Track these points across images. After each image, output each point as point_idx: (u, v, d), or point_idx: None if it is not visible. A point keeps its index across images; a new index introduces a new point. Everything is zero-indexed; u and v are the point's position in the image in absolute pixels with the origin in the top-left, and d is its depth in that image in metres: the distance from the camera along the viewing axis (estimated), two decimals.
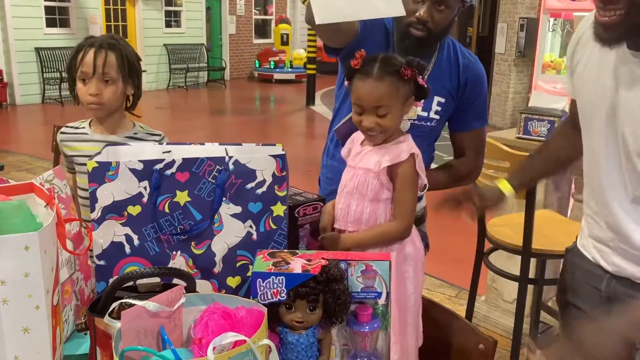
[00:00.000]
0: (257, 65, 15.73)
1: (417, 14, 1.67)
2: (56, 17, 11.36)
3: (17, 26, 10.54)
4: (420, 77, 1.36)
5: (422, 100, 1.50)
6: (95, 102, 1.74)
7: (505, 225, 2.71)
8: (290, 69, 15.07)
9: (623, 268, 1.32)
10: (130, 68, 1.78)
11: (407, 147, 1.36)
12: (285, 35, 15.54)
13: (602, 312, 1.37)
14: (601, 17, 1.13)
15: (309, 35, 11.17)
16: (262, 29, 16.97)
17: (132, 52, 1.81)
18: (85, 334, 1.16)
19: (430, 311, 1.55)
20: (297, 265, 1.07)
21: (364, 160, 1.40)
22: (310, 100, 11.46)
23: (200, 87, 14.41)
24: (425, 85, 1.38)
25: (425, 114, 1.79)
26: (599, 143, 1.30)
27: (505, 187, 1.59)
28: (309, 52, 11.53)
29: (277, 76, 14.96)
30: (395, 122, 1.37)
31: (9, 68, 10.58)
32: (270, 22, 16.97)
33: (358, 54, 1.38)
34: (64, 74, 10.91)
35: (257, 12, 16.68)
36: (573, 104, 1.47)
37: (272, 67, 15.35)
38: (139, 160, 1.21)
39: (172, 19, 13.95)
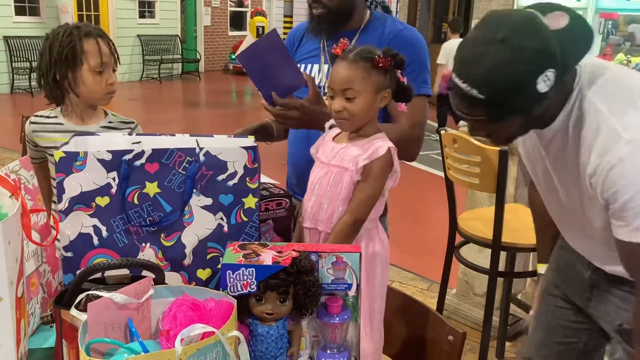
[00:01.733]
0: (232, 58, 15.60)
1: None
2: (26, 5, 11.10)
3: None
4: (400, 73, 1.35)
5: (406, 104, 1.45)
6: (114, 91, 1.76)
7: (476, 218, 2.74)
8: None
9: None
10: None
11: (383, 142, 1.35)
12: (261, 28, 15.41)
13: (585, 299, 1.45)
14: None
15: (284, 28, 11.12)
16: (237, 21, 16.83)
17: None
18: (52, 327, 1.15)
19: (402, 303, 1.57)
20: (267, 257, 1.07)
21: (338, 157, 1.38)
22: None
23: (174, 79, 14.24)
24: (406, 83, 1.37)
25: None
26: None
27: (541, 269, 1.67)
28: None
29: None
30: (364, 109, 1.35)
31: None
32: (245, 14, 16.84)
33: (340, 42, 1.39)
34: (34, 64, 10.71)
35: (233, 4, 16.53)
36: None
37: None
38: (108, 151, 1.20)
39: (145, 9, 13.75)
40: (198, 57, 15.08)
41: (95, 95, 1.74)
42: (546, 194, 1.45)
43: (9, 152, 6.34)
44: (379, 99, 1.36)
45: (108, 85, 1.73)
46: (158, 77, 13.69)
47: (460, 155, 2.40)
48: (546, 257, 1.66)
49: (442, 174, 2.76)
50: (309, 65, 1.80)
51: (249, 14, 16.57)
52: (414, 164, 7.66)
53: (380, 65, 1.32)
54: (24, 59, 10.78)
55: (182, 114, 10.12)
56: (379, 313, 1.39)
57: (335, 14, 1.72)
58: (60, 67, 1.70)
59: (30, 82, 10.71)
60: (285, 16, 10.79)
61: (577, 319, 1.54)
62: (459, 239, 2.77)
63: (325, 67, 1.77)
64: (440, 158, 2.71)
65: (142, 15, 13.65)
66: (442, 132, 2.35)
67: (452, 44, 7.37)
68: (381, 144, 1.35)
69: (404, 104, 1.42)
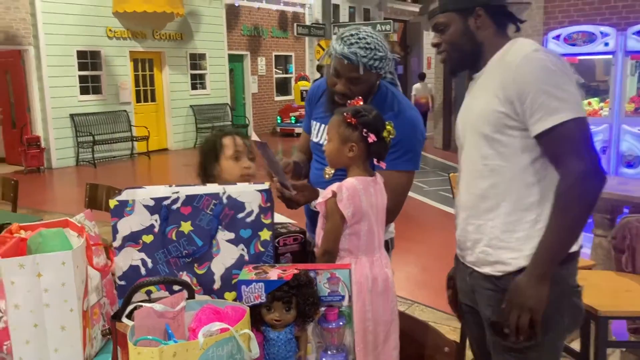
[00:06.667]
0: (279, 121, 16.29)
1: (335, 87, 1.93)
2: (89, 85, 12.08)
3: (53, 95, 11.27)
4: (371, 134, 1.64)
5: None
6: (249, 174, 2.17)
7: None
8: None
9: (466, 259, 1.70)
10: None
11: (335, 185, 1.65)
12: (304, 92, 16.13)
13: (475, 302, 1.72)
14: (441, 59, 1.69)
15: None
16: (283, 86, 17.65)
17: None
18: (109, 339, 1.43)
19: (406, 323, 1.79)
20: (274, 274, 1.34)
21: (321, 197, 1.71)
22: None
23: None
24: (372, 141, 1.64)
25: None
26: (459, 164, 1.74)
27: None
28: None
29: (298, 130, 15.46)
30: (332, 153, 1.70)
31: (47, 134, 11.24)
32: (290, 80, 17.65)
33: (355, 99, 1.75)
34: (97, 138, 11.57)
35: (278, 71, 17.39)
36: None
37: (293, 121, 15.88)
38: (151, 198, 1.51)
39: (197, 81, 14.64)
40: (247, 122, 15.82)
41: (233, 178, 2.16)
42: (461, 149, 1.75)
43: None
44: (346, 148, 1.66)
45: (243, 169, 2.16)
46: None
47: None
48: None
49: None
50: (318, 124, 2.10)
51: (293, 80, 17.37)
52: (435, 204, 7.64)
53: (348, 121, 1.62)
54: (88, 134, 11.66)
55: None
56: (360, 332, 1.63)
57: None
58: (207, 159, 2.23)
59: (93, 155, 11.52)
60: None
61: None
62: None
63: None
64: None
65: (194, 87, 14.53)
66: (451, 174, 2.58)
67: (418, 86, 14.44)
68: (334, 186, 1.65)
69: (381, 161, 1.72)
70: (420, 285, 4.65)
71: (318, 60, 11.51)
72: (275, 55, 17.21)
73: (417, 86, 14.54)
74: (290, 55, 17.74)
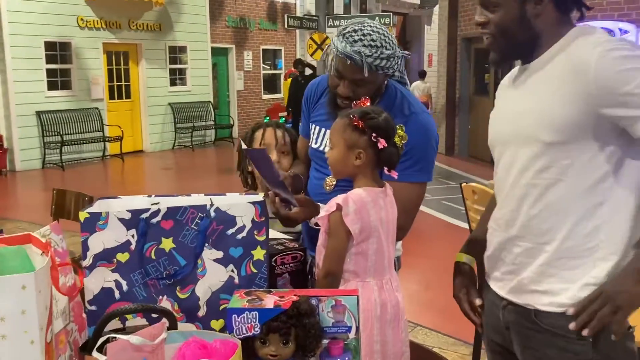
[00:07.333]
0: (267, 121, 16.23)
1: (338, 89, 1.87)
2: (58, 79, 11.95)
3: (18, 90, 11.11)
4: (382, 140, 1.56)
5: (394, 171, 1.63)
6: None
7: None
8: None
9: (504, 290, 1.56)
10: (293, 142, 2.29)
11: (340, 197, 1.57)
12: None
13: (509, 341, 1.58)
14: (485, 42, 1.54)
15: None
16: (271, 83, 17.58)
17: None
18: None
19: (411, 351, 1.72)
20: (269, 301, 1.26)
21: (324, 210, 1.63)
22: None
23: (207, 146, 14.85)
24: (382, 147, 1.56)
25: None
26: (500, 172, 1.60)
27: (463, 258, 1.75)
28: None
29: None
30: (337, 159, 1.62)
31: (10, 133, 11.08)
32: (279, 76, 17.60)
33: (361, 100, 1.66)
34: (66, 138, 11.43)
35: (266, 67, 17.32)
36: None
37: (282, 122, 15.83)
38: (127, 210, 1.43)
39: (177, 77, 14.54)
40: (231, 122, 15.73)
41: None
42: (499, 163, 1.61)
43: (39, 227, 6.73)
44: (352, 156, 1.58)
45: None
46: (190, 145, 14.30)
47: (480, 206, 2.56)
48: (470, 250, 1.77)
49: (460, 223, 2.90)
50: (318, 128, 2.03)
51: (282, 76, 17.32)
52: (439, 215, 7.70)
53: (354, 124, 1.55)
54: (55, 133, 11.51)
55: (217, 181, 10.54)
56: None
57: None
58: (242, 154, 2.36)
59: (61, 156, 11.38)
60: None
61: None
62: None
63: None
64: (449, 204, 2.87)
65: (173, 83, 14.42)
66: (463, 184, 2.52)
67: (418, 84, 14.55)
68: (338, 199, 1.57)
69: (393, 170, 1.62)
70: (423, 306, 4.58)
71: (311, 54, 11.46)
72: (263, 49, 17.15)
73: (416, 84, 14.54)
74: (280, 50, 17.70)
